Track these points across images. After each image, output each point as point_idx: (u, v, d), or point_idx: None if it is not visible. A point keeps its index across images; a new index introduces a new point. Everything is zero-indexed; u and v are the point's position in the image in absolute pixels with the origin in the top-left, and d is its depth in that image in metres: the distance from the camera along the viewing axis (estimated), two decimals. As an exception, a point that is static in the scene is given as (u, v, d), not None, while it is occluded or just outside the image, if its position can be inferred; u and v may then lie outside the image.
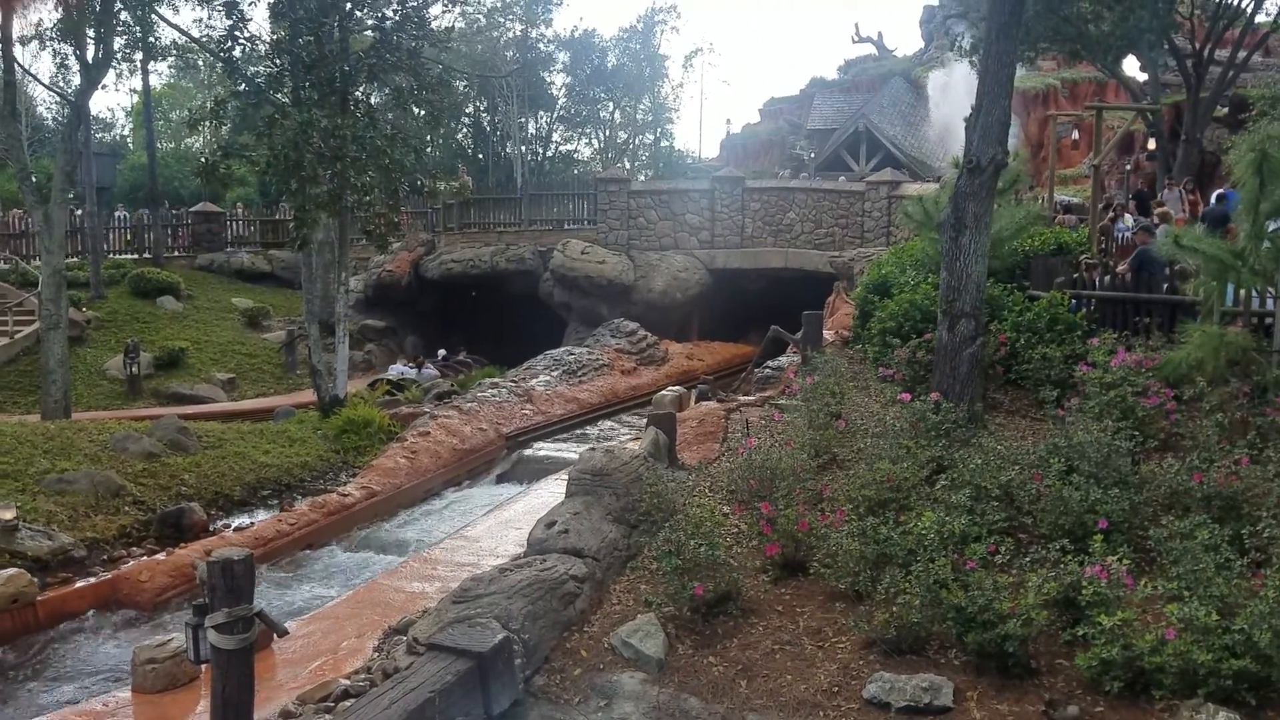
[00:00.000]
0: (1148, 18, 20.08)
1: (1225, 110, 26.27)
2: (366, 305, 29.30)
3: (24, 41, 29.51)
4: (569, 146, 51.77)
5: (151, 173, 31.98)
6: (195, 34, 23.58)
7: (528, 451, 17.49)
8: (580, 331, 26.22)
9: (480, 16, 44.34)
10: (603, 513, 9.17)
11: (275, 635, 7.69)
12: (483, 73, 39.82)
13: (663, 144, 53.27)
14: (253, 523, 13.02)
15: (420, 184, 20.41)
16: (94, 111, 42.25)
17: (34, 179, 19.83)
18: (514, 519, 12.63)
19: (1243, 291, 10.35)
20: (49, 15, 21.18)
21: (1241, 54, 23.21)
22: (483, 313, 30.11)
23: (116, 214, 33.91)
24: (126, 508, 12.60)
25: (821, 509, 8.91)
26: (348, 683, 7.66)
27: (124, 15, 20.21)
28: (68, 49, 21.62)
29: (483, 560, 10.80)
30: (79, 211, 29.26)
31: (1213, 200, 16.47)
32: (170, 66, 44.08)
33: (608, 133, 52.08)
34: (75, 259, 27.40)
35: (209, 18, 24.50)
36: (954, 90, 36.36)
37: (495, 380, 20.18)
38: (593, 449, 10.19)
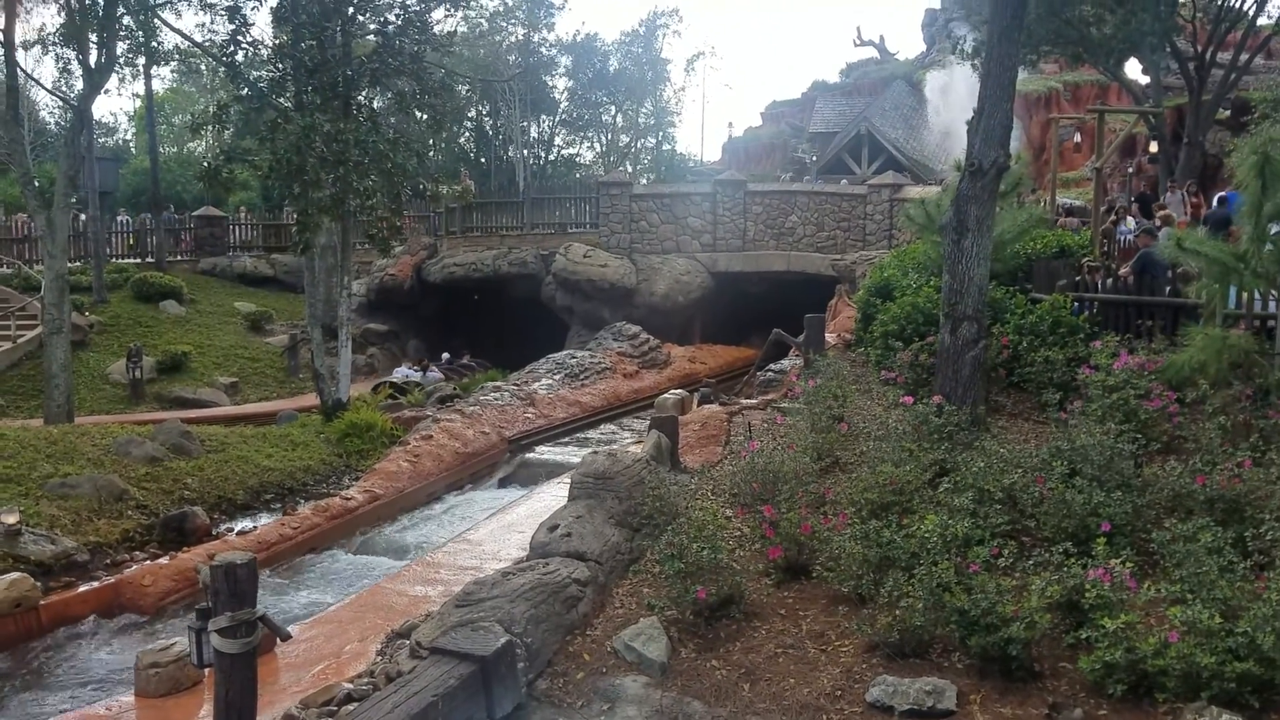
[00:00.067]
0: (1150, 21, 20.07)
1: (1227, 113, 26.27)
2: (369, 309, 29.34)
3: (27, 46, 29.73)
4: (571, 150, 51.83)
5: (154, 177, 32.03)
6: (198, 39, 23.64)
7: (530, 455, 17.49)
8: (582, 335, 26.23)
9: (482, 21, 44.38)
10: (605, 516, 9.18)
11: (278, 639, 7.69)
12: (485, 77, 39.83)
13: (665, 147, 53.28)
14: (255, 526, 13.03)
15: (423, 188, 20.43)
16: (96, 116, 42.34)
17: (37, 183, 19.87)
18: (516, 522, 12.63)
19: (1245, 294, 10.34)
20: (52, 20, 21.24)
21: (1243, 57, 23.20)
22: (485, 316, 30.13)
23: (118, 218, 33.94)
24: (129, 512, 12.61)
25: (824, 512, 8.91)
26: (350, 686, 7.66)
27: (127, 20, 20.26)
28: (70, 53, 21.71)
29: (485, 564, 10.80)
30: (82, 216, 29.31)
31: (1214, 203, 16.47)
32: (173, 71, 44.06)
33: (610, 136, 52.10)
34: (78, 263, 27.45)
35: (211, 22, 24.66)
36: (953, 92, 36.39)
37: (497, 384, 20.19)
38: (595, 452, 10.19)
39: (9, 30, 19.25)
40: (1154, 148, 25.14)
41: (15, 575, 10.11)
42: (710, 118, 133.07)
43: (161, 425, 15.40)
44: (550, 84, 47.10)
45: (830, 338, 15.66)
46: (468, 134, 47.79)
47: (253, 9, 18.05)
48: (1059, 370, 10.84)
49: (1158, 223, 15.28)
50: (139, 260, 31.15)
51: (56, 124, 43.34)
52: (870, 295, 14.48)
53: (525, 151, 44.78)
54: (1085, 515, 7.92)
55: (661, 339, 24.63)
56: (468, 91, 42.58)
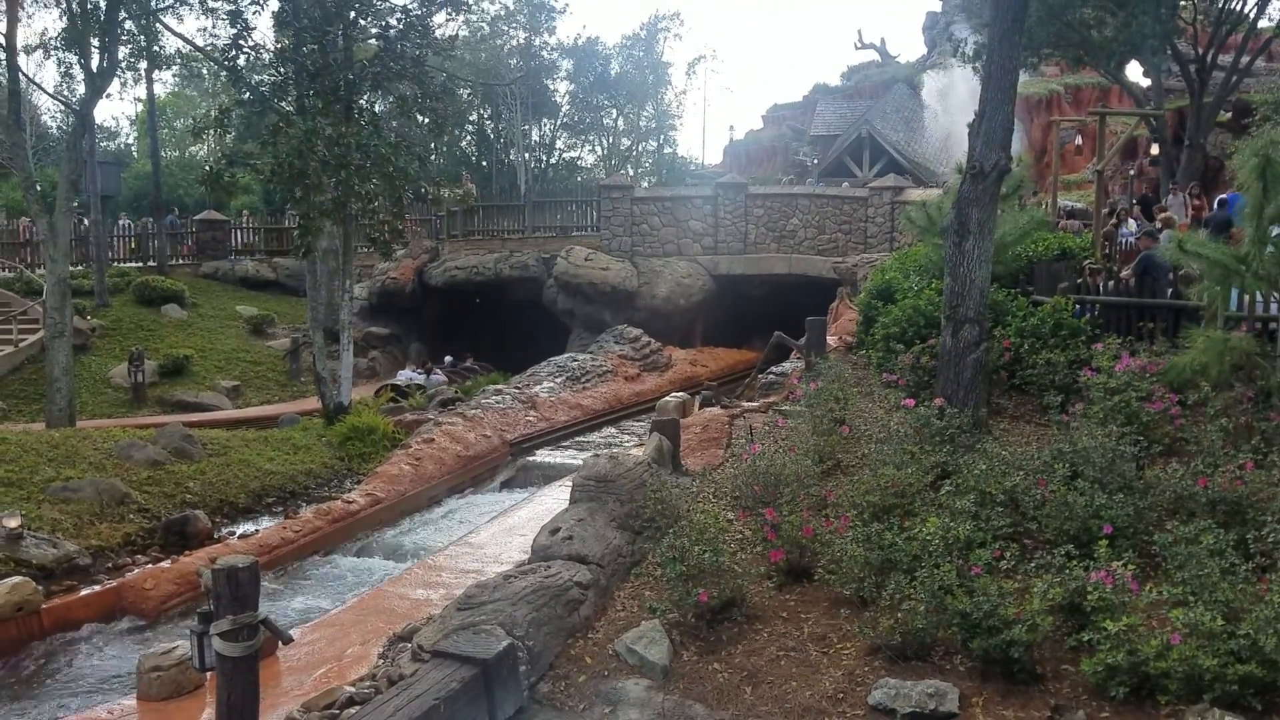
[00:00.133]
0: (1150, 23, 20.09)
1: (1228, 115, 26.30)
2: (371, 312, 29.34)
3: (29, 50, 29.80)
4: (572, 153, 51.89)
5: (156, 181, 32.06)
6: (200, 43, 23.63)
7: (532, 458, 17.49)
8: (584, 338, 26.23)
9: (484, 25, 44.45)
10: (607, 519, 9.18)
11: (280, 642, 7.68)
12: (486, 81, 39.88)
13: (666, 151, 53.33)
14: (257, 530, 13.02)
15: (424, 191, 20.48)
16: (98, 120, 42.44)
17: (39, 188, 19.90)
18: (518, 526, 12.62)
19: (1246, 296, 10.34)
20: (54, 24, 21.31)
21: (1244, 59, 23.23)
22: (487, 320, 30.13)
23: (120, 223, 33.96)
24: (131, 515, 12.61)
25: (826, 515, 8.91)
26: (352, 690, 7.66)
27: (128, 24, 20.32)
28: (72, 58, 21.71)
29: (487, 567, 10.80)
30: (84, 221, 29.33)
31: (1214, 205, 16.47)
32: (175, 75, 44.00)
33: (611, 140, 52.14)
34: (80, 267, 27.46)
35: (213, 26, 24.72)
36: (951, 95, 36.43)
37: (499, 387, 20.19)
38: (596, 455, 10.19)
39: (10, 34, 19.29)
40: (1155, 150, 25.18)
41: (17, 579, 10.11)
42: (711, 121, 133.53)
43: (163, 429, 15.41)
44: (551, 88, 47.17)
45: (831, 340, 15.65)
46: (469, 137, 47.84)
47: (254, 13, 18.13)
48: (1060, 373, 10.84)
49: (1159, 225, 15.27)
50: (141, 264, 31.18)
51: (58, 128, 43.39)
52: (872, 298, 14.48)
53: (527, 155, 44.82)
54: (1087, 518, 7.92)
55: (663, 342, 24.63)
56: (469, 95, 42.63)
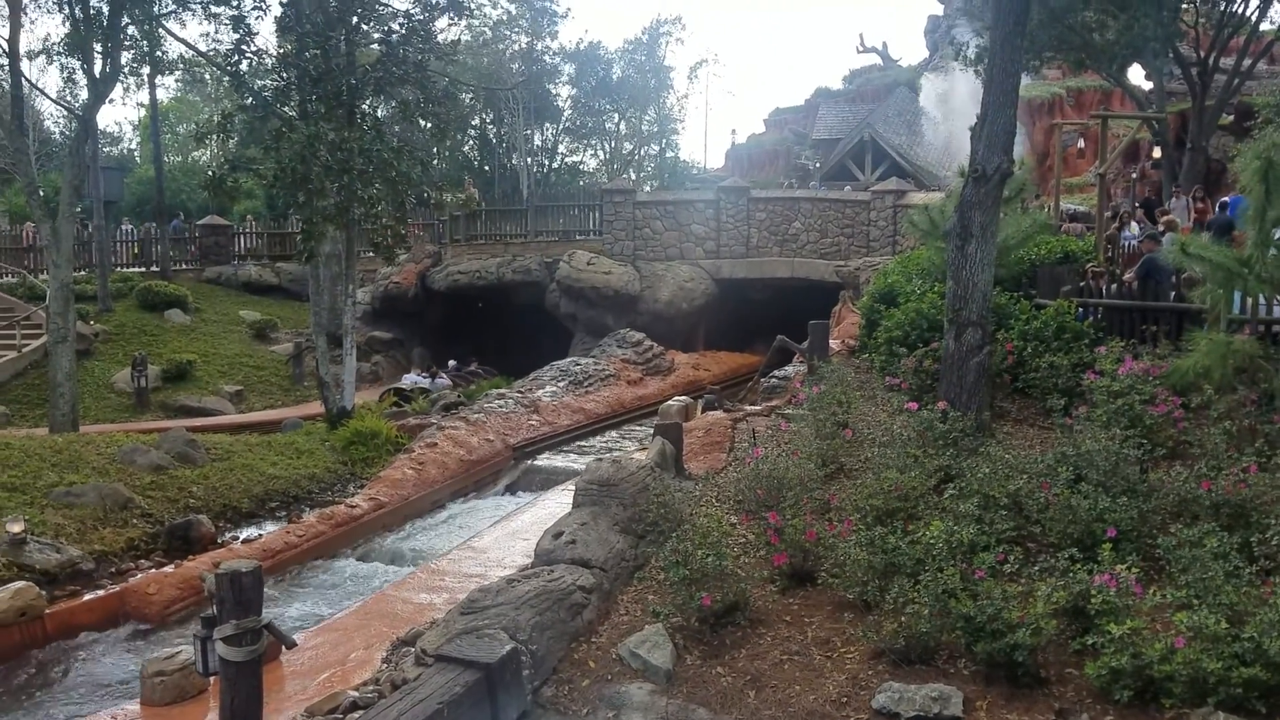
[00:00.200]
0: (1152, 26, 20.10)
1: (1230, 118, 26.28)
2: (374, 317, 29.38)
3: (32, 56, 29.81)
4: (575, 158, 51.93)
5: (159, 186, 32.14)
6: (202, 48, 23.77)
7: (535, 462, 17.48)
8: (586, 342, 26.23)
9: (486, 29, 44.50)
10: (610, 523, 9.18)
11: (284, 647, 7.70)
12: (489, 85, 39.92)
13: (668, 155, 53.36)
14: (261, 535, 13.02)
15: (427, 196, 20.49)
16: (101, 125, 42.53)
17: (41, 193, 19.96)
18: (521, 530, 12.62)
19: (1250, 299, 10.33)
20: (57, 29, 21.36)
21: (1246, 62, 23.23)
22: (489, 324, 30.16)
23: (122, 227, 34.03)
24: (134, 520, 12.61)
25: (829, 518, 8.91)
26: (356, 694, 7.66)
27: (131, 30, 20.34)
28: (75, 63, 21.73)
29: (490, 571, 10.79)
30: (89, 227, 29.38)
31: (1216, 208, 16.46)
32: (177, 80, 44.17)
33: (613, 144, 52.19)
34: (83, 272, 27.52)
35: (216, 32, 24.74)
36: (949, 98, 36.44)
37: (502, 391, 20.19)
38: (599, 459, 10.19)
39: (14, 40, 19.34)
40: (1157, 153, 25.18)
41: (20, 584, 10.11)
42: (713, 125, 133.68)
43: (166, 434, 15.41)
44: (554, 92, 47.21)
45: (834, 344, 15.66)
46: (471, 142, 47.89)
47: (257, 18, 18.16)
48: (1064, 376, 10.83)
49: (1161, 228, 15.26)
50: (144, 269, 31.24)
51: (61, 133, 43.47)
52: (874, 301, 14.48)
53: (529, 159, 44.85)
54: (1091, 521, 7.92)
55: (665, 346, 24.62)
56: (471, 100, 42.65)
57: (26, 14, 20.75)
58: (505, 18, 44.65)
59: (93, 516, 12.25)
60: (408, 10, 18.65)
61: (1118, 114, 25.39)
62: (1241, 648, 6.33)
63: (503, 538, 12.58)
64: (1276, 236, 9.64)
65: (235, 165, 19.29)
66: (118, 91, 27.85)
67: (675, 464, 11.03)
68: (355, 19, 17.93)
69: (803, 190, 32.59)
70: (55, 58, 24.21)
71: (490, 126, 47.12)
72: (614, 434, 19.57)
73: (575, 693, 7.37)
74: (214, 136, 19.33)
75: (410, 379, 24.24)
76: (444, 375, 24.82)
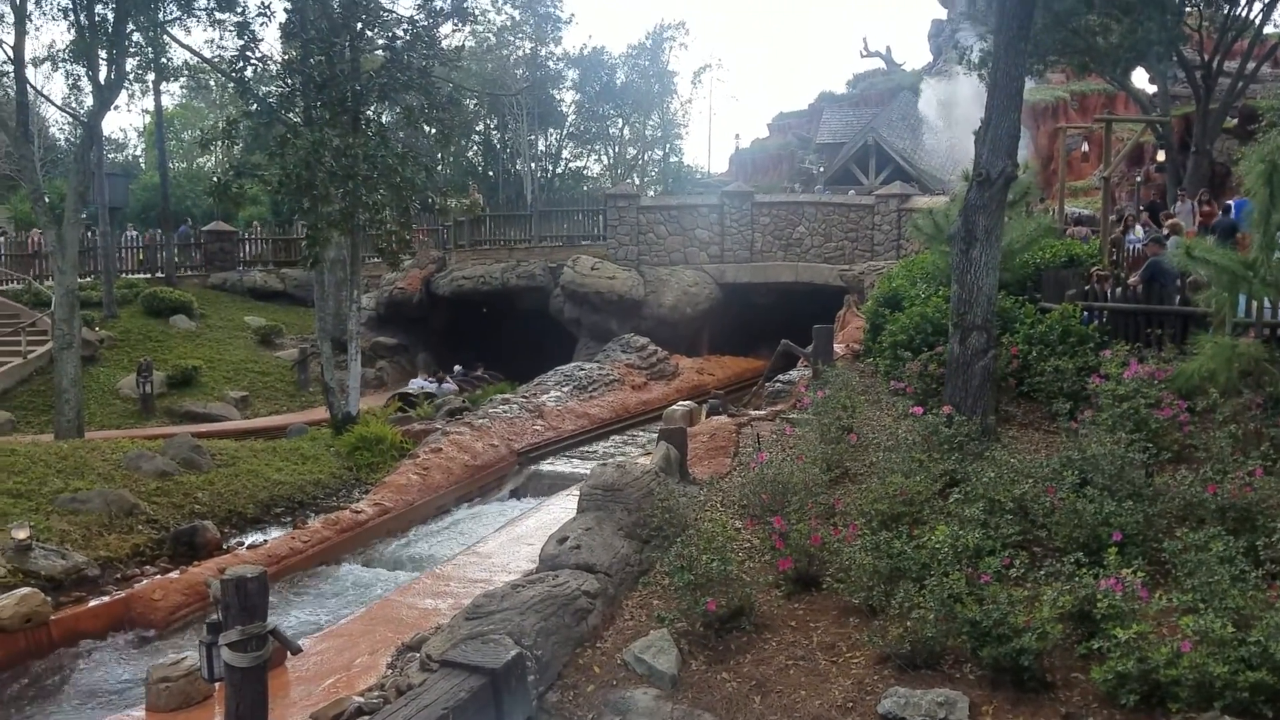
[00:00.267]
0: (1156, 30, 20.09)
1: (1235, 121, 26.25)
2: (378, 322, 29.41)
3: (37, 62, 29.89)
4: (579, 163, 52.01)
5: (164, 192, 32.18)
6: (207, 54, 23.76)
7: (539, 467, 17.48)
8: (591, 347, 26.24)
9: (490, 35, 44.60)
10: (614, 528, 9.17)
11: (289, 653, 7.70)
12: (493, 91, 39.98)
13: (672, 159, 53.42)
14: (266, 540, 13.03)
15: (431, 201, 20.48)
16: (106, 132, 42.45)
17: (47, 199, 19.97)
18: (526, 535, 12.62)
19: (1255, 302, 10.31)
20: (62, 36, 21.43)
21: (1250, 65, 23.20)
22: (494, 329, 30.18)
23: (126, 234, 34.10)
24: (140, 526, 12.62)
25: (834, 523, 8.90)
26: (361, 700, 7.65)
27: (136, 36, 20.37)
28: (80, 70, 21.79)
29: (495, 576, 10.79)
30: (94, 233, 29.42)
31: (1221, 211, 16.44)
32: (182, 87, 44.45)
33: (617, 149, 52.25)
34: (88, 279, 27.57)
35: (221, 38, 24.79)
36: (950, 103, 36.43)
37: (506, 396, 20.20)
38: (604, 464, 10.19)
39: (19, 47, 19.39)
40: (1162, 156, 25.15)
41: (26, 590, 10.12)
42: (717, 129, 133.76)
43: (172, 440, 15.43)
44: (557, 97, 47.30)
45: (839, 348, 15.65)
46: (476, 148, 47.98)
47: (261, 25, 18.18)
48: (1069, 379, 10.82)
49: (1166, 231, 15.24)
50: (149, 275, 31.29)
51: (66, 140, 43.56)
52: (879, 305, 14.48)
53: (533, 164, 44.92)
54: (1096, 525, 7.90)
55: (669, 350, 24.61)
56: (476, 105, 42.75)
57: (32, 21, 20.81)
58: (509, 23, 44.78)
59: (98, 522, 12.26)
60: (412, 16, 18.69)
61: (1122, 118, 25.40)
62: (1248, 652, 6.32)
63: (507, 543, 12.58)
64: (1282, 239, 9.63)
65: (240, 171, 19.30)
66: (123, 98, 28.01)
67: (680, 469, 11.02)
68: (360, 25, 17.96)
69: (807, 195, 32.59)
70: (60, 64, 24.39)
71: (494, 132, 47.21)
72: (618, 439, 19.57)
73: (580, 698, 7.36)
74: (219, 143, 19.40)
75: (417, 384, 24.28)
76: (450, 380, 24.86)
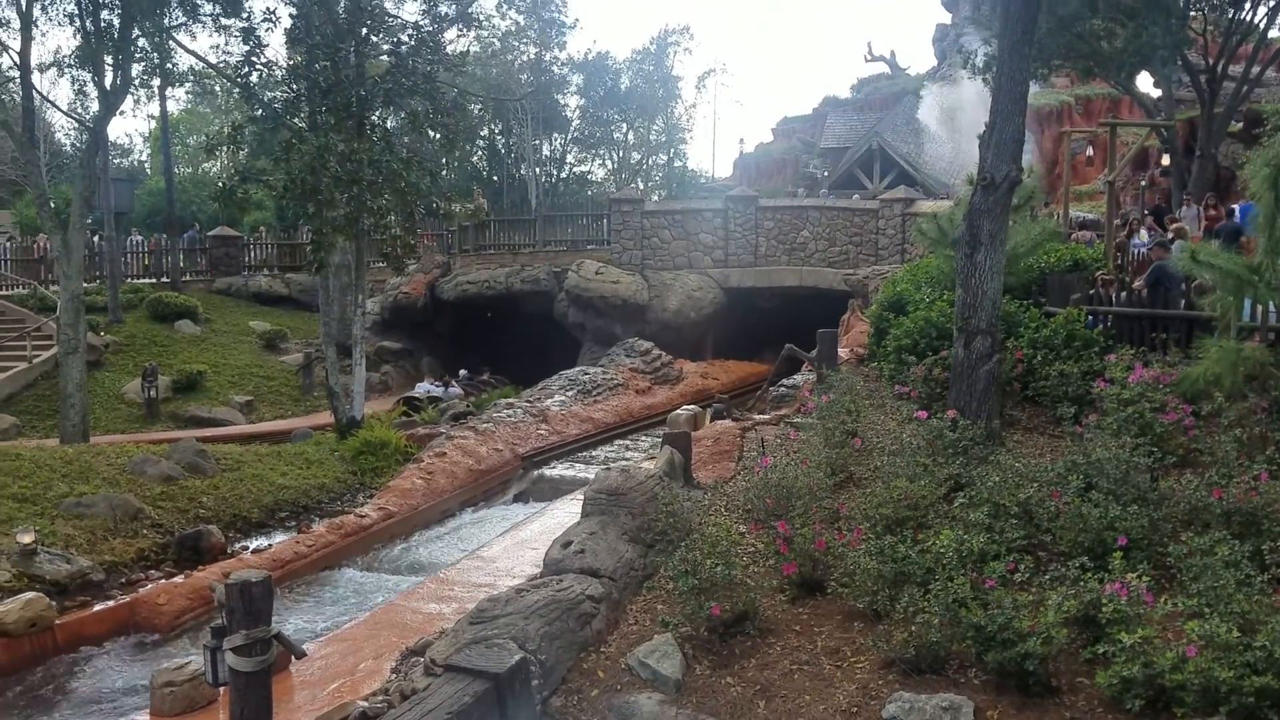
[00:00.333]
0: (1160, 34, 20.05)
1: (1239, 125, 26.21)
2: (383, 327, 29.45)
3: (43, 68, 29.93)
4: (583, 168, 52.04)
5: (169, 198, 32.26)
6: (213, 60, 23.81)
7: (543, 471, 17.50)
8: (595, 351, 26.26)
9: (495, 40, 44.64)
10: (619, 532, 9.17)
11: (293, 657, 7.70)
12: (497, 96, 40.04)
13: (676, 164, 53.46)
14: (271, 545, 13.05)
15: (436, 206, 20.51)
16: (112, 137, 42.73)
17: (52, 205, 20.02)
18: (530, 539, 12.62)
19: (1260, 306, 10.30)
20: (68, 42, 21.50)
21: (1255, 69, 23.17)
22: (498, 333, 30.20)
23: (131, 239, 34.17)
24: (145, 531, 12.64)
25: (838, 528, 8.89)
26: (365, 704, 7.65)
27: (142, 42, 20.43)
28: (86, 76, 21.84)
29: (499, 581, 10.79)
30: (98, 238, 29.48)
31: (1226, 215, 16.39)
32: (188, 92, 44.49)
33: (621, 153, 52.29)
34: (93, 284, 27.61)
35: (226, 44, 24.82)
36: (952, 108, 36.42)
37: (510, 400, 20.21)
38: (608, 468, 10.19)
39: (25, 53, 19.44)
40: (1166, 161, 25.12)
41: (31, 595, 10.14)
42: (721, 134, 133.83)
43: (177, 444, 15.46)
44: (562, 102, 47.36)
45: (843, 352, 15.65)
46: (480, 153, 48.04)
47: (267, 30, 18.18)
48: (1074, 384, 10.81)
49: (1171, 235, 15.22)
50: (154, 280, 31.35)
51: (72, 145, 43.65)
52: (883, 310, 14.47)
53: (537, 169, 44.98)
54: (1101, 529, 7.88)
55: (674, 355, 24.63)
56: (480, 111, 42.80)
57: (38, 26, 20.87)
58: (514, 29, 44.83)
59: (103, 527, 12.28)
60: (417, 22, 18.75)
61: (1126, 122, 25.40)
62: (1253, 656, 6.29)
63: (511, 547, 12.59)
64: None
65: (245, 176, 19.35)
66: (128, 103, 28.04)
67: (684, 473, 11.02)
68: (365, 31, 18.01)
69: (811, 199, 32.58)
70: (66, 70, 24.28)
71: (499, 137, 47.28)
72: (622, 443, 19.57)
73: (584, 703, 7.36)
74: (224, 148, 19.43)
75: (424, 388, 24.34)
76: (456, 384, 24.91)
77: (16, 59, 19.71)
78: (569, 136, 48.93)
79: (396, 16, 19.08)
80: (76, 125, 37.91)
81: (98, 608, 10.86)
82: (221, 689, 7.08)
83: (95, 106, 22.20)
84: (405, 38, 18.53)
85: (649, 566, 9.05)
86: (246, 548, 13.08)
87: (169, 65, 22.69)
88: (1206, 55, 23.30)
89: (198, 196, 44.29)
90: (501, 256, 30.00)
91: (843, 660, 7.55)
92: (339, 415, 18.24)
